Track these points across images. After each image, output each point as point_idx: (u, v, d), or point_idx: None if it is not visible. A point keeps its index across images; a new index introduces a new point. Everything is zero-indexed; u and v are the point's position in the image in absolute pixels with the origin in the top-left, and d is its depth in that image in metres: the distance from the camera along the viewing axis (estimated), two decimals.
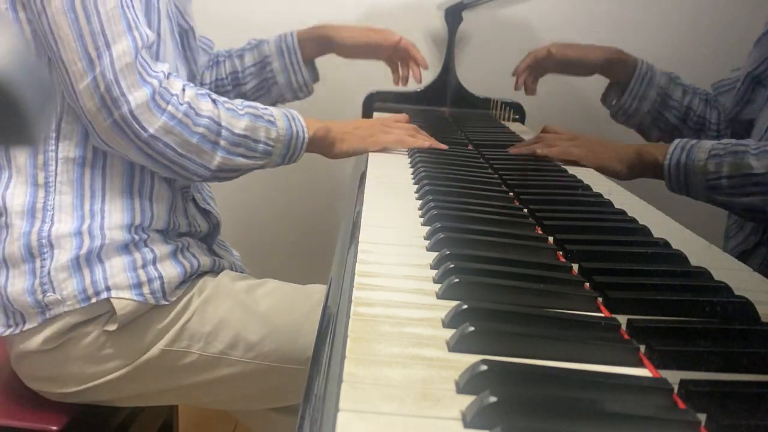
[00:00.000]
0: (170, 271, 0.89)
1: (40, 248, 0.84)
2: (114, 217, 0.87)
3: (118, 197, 0.88)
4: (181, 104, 0.83)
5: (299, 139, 0.94)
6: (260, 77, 1.19)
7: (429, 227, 0.63)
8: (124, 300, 0.85)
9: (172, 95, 0.83)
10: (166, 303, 0.88)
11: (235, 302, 0.92)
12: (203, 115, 0.85)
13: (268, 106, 0.93)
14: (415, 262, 0.56)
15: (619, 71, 1.24)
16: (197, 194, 1.00)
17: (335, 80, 1.63)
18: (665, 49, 1.65)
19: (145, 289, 0.86)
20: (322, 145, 0.98)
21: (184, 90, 0.84)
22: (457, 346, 0.41)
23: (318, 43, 1.21)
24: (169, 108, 0.82)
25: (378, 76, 1.59)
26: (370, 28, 1.26)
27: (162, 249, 0.90)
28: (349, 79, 1.61)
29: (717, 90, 1.24)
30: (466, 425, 0.34)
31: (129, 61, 0.79)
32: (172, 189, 0.94)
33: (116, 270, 0.86)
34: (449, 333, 0.43)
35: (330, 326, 0.48)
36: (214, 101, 0.87)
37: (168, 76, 0.83)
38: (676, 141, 0.96)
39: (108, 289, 0.85)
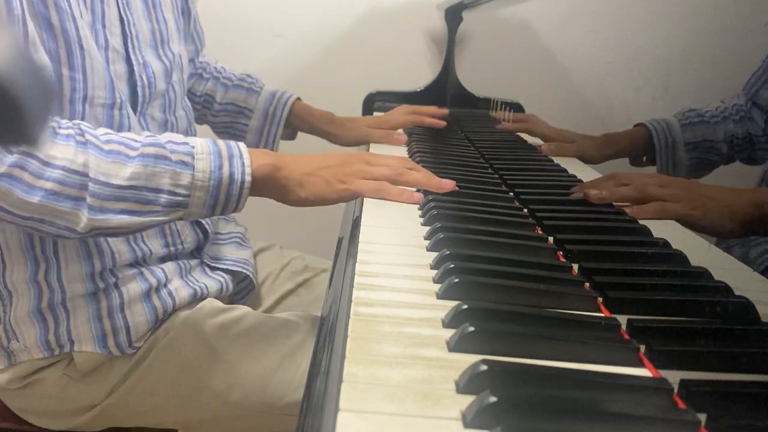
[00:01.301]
0: (139, 318, 0.81)
1: None
2: (71, 266, 0.78)
3: (69, 240, 0.76)
4: (11, 152, 0.62)
5: (234, 185, 0.69)
6: (231, 120, 1.11)
7: (429, 227, 0.64)
8: (86, 353, 0.80)
9: None
10: (132, 351, 0.82)
11: (201, 347, 0.84)
12: (55, 164, 0.63)
13: (190, 138, 0.71)
14: (415, 262, 0.56)
15: (633, 151, 1.15)
16: None
17: (335, 80, 1.64)
18: (665, 48, 1.66)
19: (110, 341, 0.80)
20: (268, 188, 0.74)
21: None
22: (457, 346, 0.41)
23: (313, 128, 1.13)
24: None
25: (378, 76, 1.59)
26: (378, 120, 1.16)
27: (133, 290, 0.81)
28: (349, 79, 1.62)
29: (753, 86, 1.14)
30: (466, 425, 0.34)
31: None
32: None
33: (80, 321, 0.79)
34: (449, 333, 0.43)
35: (330, 326, 0.48)
36: (83, 143, 0.65)
37: None
38: None
39: (71, 342, 0.79)
